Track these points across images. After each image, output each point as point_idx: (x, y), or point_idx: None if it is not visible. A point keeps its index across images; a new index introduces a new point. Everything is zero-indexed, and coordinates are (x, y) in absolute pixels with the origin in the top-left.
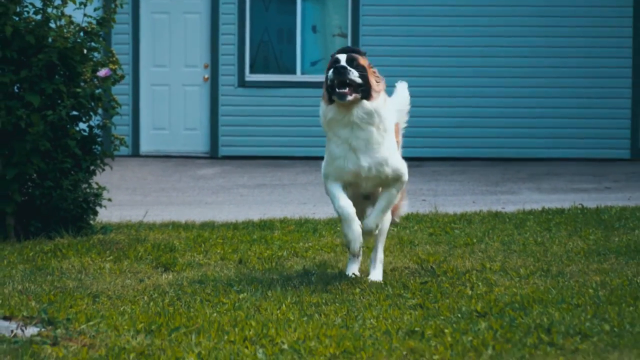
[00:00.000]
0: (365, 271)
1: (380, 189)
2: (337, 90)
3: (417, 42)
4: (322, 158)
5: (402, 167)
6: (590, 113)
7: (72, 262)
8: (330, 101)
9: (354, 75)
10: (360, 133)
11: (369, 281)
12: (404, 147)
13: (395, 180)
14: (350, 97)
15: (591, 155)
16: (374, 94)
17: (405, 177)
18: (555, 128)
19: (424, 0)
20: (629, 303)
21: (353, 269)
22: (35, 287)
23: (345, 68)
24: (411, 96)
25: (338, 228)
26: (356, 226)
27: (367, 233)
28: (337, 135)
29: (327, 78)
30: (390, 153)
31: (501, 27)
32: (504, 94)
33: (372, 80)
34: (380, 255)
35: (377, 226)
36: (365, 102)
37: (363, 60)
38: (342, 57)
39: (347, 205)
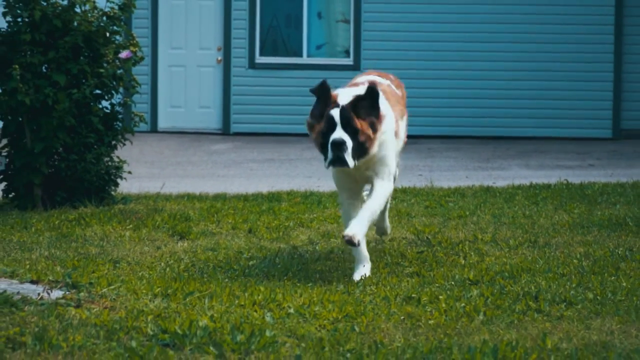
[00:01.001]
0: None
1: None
2: (335, 164)
3: (415, 27)
4: None
5: (393, 166)
6: (575, 95)
7: (95, 230)
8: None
9: (352, 148)
10: (362, 169)
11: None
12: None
13: (382, 169)
14: (351, 165)
15: (576, 135)
16: (372, 147)
17: (392, 178)
18: (542, 109)
19: None
20: (611, 273)
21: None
22: (61, 253)
23: (343, 144)
24: (410, 78)
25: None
26: (363, 250)
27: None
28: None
29: (321, 134)
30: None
31: (494, 15)
32: (495, 77)
33: (371, 138)
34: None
35: (363, 233)
36: (361, 160)
37: (360, 120)
38: (336, 116)
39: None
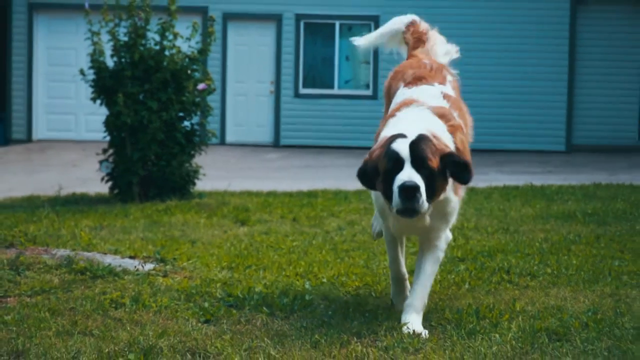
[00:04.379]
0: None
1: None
2: (402, 215)
3: None
4: (351, 148)
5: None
6: (537, 117)
7: (178, 218)
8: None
9: (425, 200)
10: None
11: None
12: None
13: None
14: (420, 214)
15: (538, 148)
16: (444, 192)
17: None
18: (513, 127)
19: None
20: (564, 253)
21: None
22: (152, 235)
23: (416, 191)
24: None
25: (363, 198)
26: (405, 291)
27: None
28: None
29: (385, 172)
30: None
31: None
32: (477, 99)
33: (444, 183)
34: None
35: (422, 310)
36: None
37: (434, 155)
38: (405, 154)
39: (400, 273)
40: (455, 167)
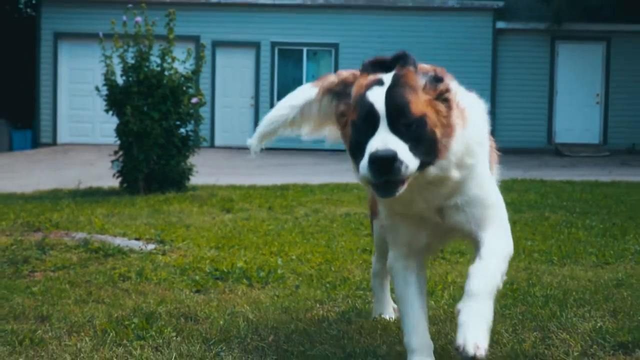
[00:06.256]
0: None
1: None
2: (380, 191)
3: None
4: (316, 150)
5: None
6: None
7: (175, 207)
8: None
9: (409, 164)
10: (430, 195)
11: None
12: None
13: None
14: (402, 189)
15: None
16: (443, 150)
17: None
18: None
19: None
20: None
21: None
22: (154, 221)
23: (393, 160)
24: None
25: (325, 191)
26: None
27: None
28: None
29: (351, 143)
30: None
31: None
32: None
33: (439, 133)
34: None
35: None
36: (430, 168)
37: (418, 96)
38: (380, 108)
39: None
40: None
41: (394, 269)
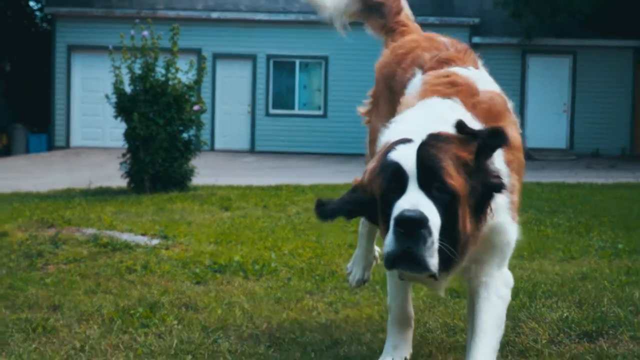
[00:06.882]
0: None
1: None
2: (398, 266)
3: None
4: (308, 153)
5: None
6: None
7: (178, 205)
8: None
9: (435, 244)
10: None
11: None
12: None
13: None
14: (434, 271)
15: None
16: (463, 253)
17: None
18: None
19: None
20: None
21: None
22: (158, 218)
23: (421, 226)
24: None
25: (316, 191)
26: (409, 341)
27: None
28: None
29: (382, 198)
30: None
31: None
32: None
33: (479, 216)
34: None
35: None
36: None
37: (458, 166)
38: (411, 170)
39: (406, 312)
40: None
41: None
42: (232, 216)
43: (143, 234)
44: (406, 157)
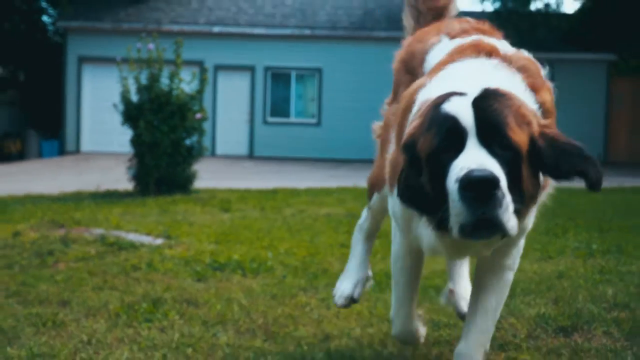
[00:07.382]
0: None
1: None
2: (472, 236)
3: (354, 105)
4: (302, 159)
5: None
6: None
7: (181, 207)
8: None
9: (510, 205)
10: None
11: None
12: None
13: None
14: (512, 232)
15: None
16: (530, 204)
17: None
18: None
19: (367, 76)
20: None
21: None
22: (162, 219)
23: (494, 186)
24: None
25: (309, 194)
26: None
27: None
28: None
29: (431, 158)
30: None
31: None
32: None
33: (536, 181)
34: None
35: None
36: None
37: (520, 124)
38: (468, 120)
39: (411, 329)
40: (566, 158)
41: (396, 252)
42: (231, 217)
43: (148, 234)
44: (464, 110)
